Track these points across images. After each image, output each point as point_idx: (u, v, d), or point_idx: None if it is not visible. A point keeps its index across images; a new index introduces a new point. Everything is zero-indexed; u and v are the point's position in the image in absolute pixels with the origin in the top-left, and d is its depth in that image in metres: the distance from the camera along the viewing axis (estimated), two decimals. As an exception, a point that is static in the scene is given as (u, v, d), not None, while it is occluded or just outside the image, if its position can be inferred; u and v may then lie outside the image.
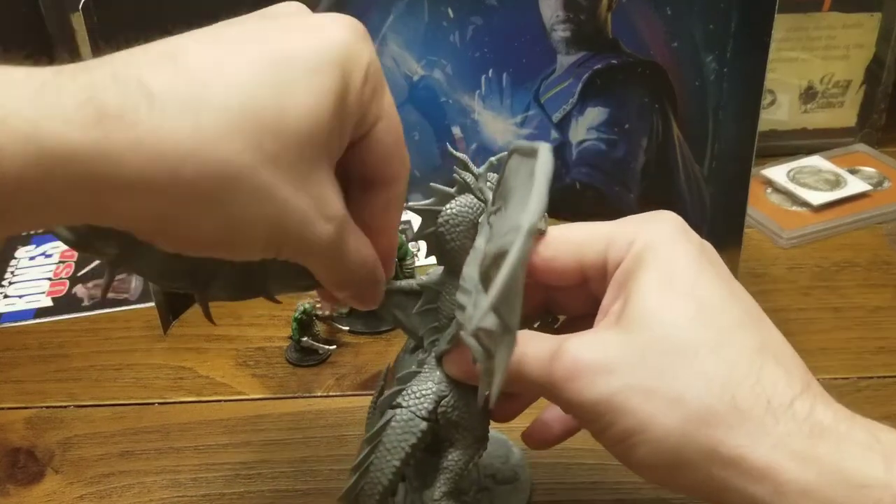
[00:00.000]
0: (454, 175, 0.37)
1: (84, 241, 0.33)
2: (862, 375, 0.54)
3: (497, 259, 0.26)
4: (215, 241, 0.29)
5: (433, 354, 0.39)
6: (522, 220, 0.26)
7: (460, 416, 0.39)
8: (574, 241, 0.37)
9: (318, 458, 0.50)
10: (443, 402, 0.39)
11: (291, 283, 0.37)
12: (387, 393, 0.40)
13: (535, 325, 0.41)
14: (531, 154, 0.29)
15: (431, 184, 0.37)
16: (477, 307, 0.26)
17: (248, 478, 0.49)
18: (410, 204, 0.38)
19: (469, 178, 0.37)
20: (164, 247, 0.29)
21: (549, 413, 0.40)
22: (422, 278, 0.40)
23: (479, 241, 0.34)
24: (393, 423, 0.39)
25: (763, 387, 0.30)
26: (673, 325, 0.32)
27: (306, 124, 0.29)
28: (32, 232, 0.73)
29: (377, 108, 0.33)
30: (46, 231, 0.34)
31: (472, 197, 0.37)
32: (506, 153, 0.34)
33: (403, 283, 0.40)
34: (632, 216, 0.37)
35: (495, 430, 0.46)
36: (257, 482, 0.48)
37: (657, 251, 0.34)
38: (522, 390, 0.38)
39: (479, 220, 0.37)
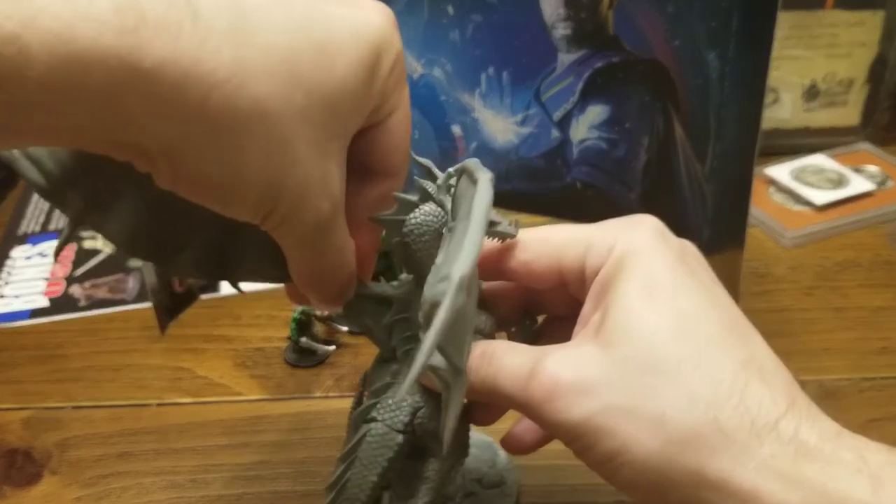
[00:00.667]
0: (415, 182, 0.36)
1: (55, 188, 0.32)
2: (864, 376, 0.53)
3: (433, 307, 0.26)
4: (215, 185, 0.28)
5: (407, 365, 0.38)
6: (454, 272, 0.25)
7: (437, 426, 0.37)
8: (552, 243, 0.36)
9: (317, 459, 0.49)
10: (419, 413, 0.37)
11: (262, 272, 0.36)
12: (361, 407, 0.38)
13: (513, 330, 0.40)
14: (474, 182, 0.29)
15: (394, 193, 0.36)
16: (416, 359, 0.25)
17: (247, 479, 0.48)
18: (374, 215, 0.36)
19: (429, 186, 0.36)
20: (161, 180, 0.28)
21: (521, 426, 0.39)
22: (388, 287, 0.39)
23: (440, 258, 0.33)
24: (368, 438, 0.37)
25: (747, 407, 0.30)
26: (653, 339, 0.31)
27: (338, 88, 0.28)
28: (29, 232, 0.73)
29: (397, 98, 0.32)
30: (19, 175, 0.32)
31: (436, 205, 0.36)
32: (461, 164, 0.33)
33: (376, 286, 0.39)
34: (611, 220, 0.36)
35: (482, 433, 0.46)
36: (256, 483, 0.48)
37: (637, 259, 0.33)
38: (499, 404, 0.37)
39: (443, 231, 0.35)
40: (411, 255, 0.36)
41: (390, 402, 0.38)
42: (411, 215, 0.36)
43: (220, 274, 0.37)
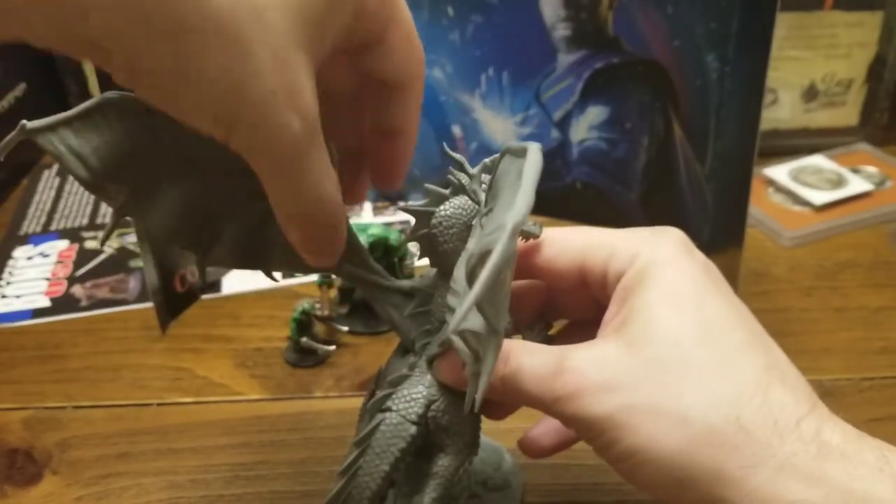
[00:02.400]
0: (448, 176, 0.37)
1: (97, 181, 0.33)
2: (865, 376, 0.53)
3: (482, 258, 0.26)
4: (170, 86, 0.27)
5: (424, 358, 0.39)
6: (507, 219, 0.26)
7: (450, 421, 0.38)
8: (577, 244, 0.37)
9: (317, 459, 0.49)
10: (433, 406, 0.38)
11: (295, 263, 0.36)
12: (377, 396, 0.39)
13: (526, 332, 0.40)
14: (521, 154, 0.29)
15: (426, 185, 0.37)
16: (461, 305, 0.26)
17: (247, 479, 0.48)
18: (403, 205, 0.37)
19: (464, 179, 0.37)
20: (118, 76, 0.27)
21: (538, 429, 0.39)
22: (415, 280, 0.40)
23: (471, 244, 0.34)
24: (382, 427, 0.38)
25: (770, 407, 0.30)
26: (678, 342, 0.32)
27: None
28: (30, 232, 0.73)
29: (387, 11, 0.31)
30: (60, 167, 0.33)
31: (467, 199, 0.37)
32: (498, 154, 0.33)
33: (403, 282, 0.40)
34: (637, 228, 0.36)
35: (489, 436, 0.46)
36: (256, 483, 0.48)
37: (662, 268, 0.34)
38: (519, 403, 0.37)
39: (473, 223, 0.36)
40: (438, 247, 0.37)
41: (406, 393, 0.38)
42: (441, 207, 0.37)
43: (255, 264, 0.38)
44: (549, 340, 0.41)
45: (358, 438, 0.38)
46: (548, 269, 0.37)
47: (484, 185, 0.37)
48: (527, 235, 0.38)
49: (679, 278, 0.33)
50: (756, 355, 0.32)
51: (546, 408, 0.34)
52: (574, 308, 0.40)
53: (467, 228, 0.36)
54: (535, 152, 0.28)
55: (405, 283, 0.39)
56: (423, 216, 0.37)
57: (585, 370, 0.32)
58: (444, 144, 0.40)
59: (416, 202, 0.37)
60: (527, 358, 0.34)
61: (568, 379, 0.32)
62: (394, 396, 0.38)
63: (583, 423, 0.32)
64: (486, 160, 0.37)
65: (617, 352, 0.32)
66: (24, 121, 0.32)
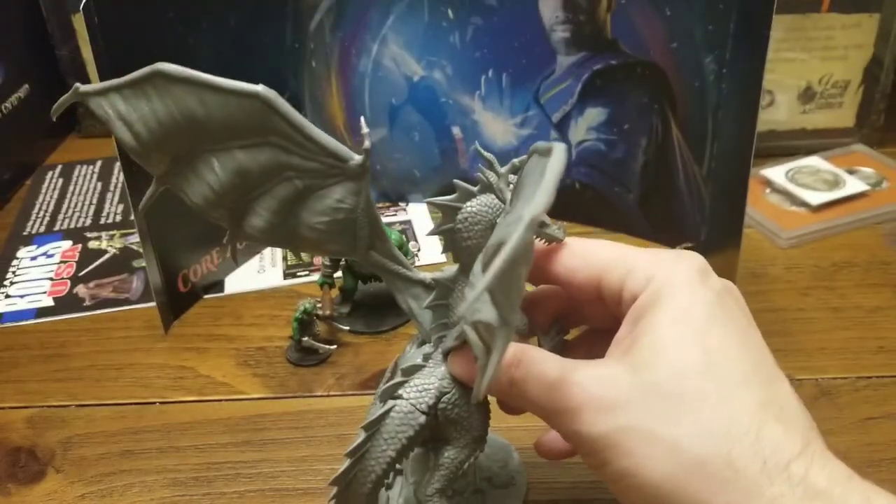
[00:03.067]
0: (478, 174, 0.38)
1: (141, 149, 0.35)
2: (861, 375, 0.54)
3: (497, 248, 0.27)
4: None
5: (440, 350, 0.40)
6: (525, 212, 0.26)
7: (459, 415, 0.39)
8: (597, 259, 0.37)
9: (319, 457, 0.50)
10: (444, 398, 0.39)
11: (325, 246, 0.38)
12: (390, 383, 0.40)
13: (542, 336, 0.41)
14: (547, 154, 0.30)
15: (455, 180, 0.38)
16: (474, 289, 0.26)
17: (249, 477, 0.49)
18: (430, 199, 0.38)
19: (492, 177, 0.37)
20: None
21: (553, 432, 0.40)
22: (436, 273, 0.40)
23: (491, 239, 0.35)
24: (392, 414, 0.39)
25: (761, 445, 0.30)
26: (680, 371, 0.32)
27: None
28: (34, 232, 0.74)
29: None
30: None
31: (493, 197, 0.37)
32: (526, 155, 0.34)
33: (424, 274, 0.40)
34: (659, 251, 0.37)
35: (497, 433, 0.47)
36: (258, 481, 0.49)
37: (674, 293, 0.34)
38: (524, 408, 0.38)
39: (497, 221, 0.37)
40: (461, 243, 0.38)
41: (418, 382, 0.39)
42: (468, 203, 0.37)
43: (285, 242, 0.39)
44: (564, 345, 0.41)
45: (367, 422, 0.39)
46: (567, 279, 0.38)
47: (511, 185, 0.37)
48: (549, 238, 0.38)
49: (690, 305, 0.34)
50: (755, 390, 0.32)
51: (547, 418, 0.34)
52: (592, 317, 0.40)
53: (491, 227, 0.37)
54: (560, 151, 0.29)
55: (427, 276, 0.40)
56: (449, 211, 0.38)
57: (589, 388, 0.33)
58: (476, 143, 0.41)
59: (445, 197, 0.38)
60: (536, 366, 0.34)
61: (571, 394, 0.33)
62: (406, 385, 0.39)
63: (580, 440, 0.33)
64: (515, 160, 0.37)
65: (622, 373, 0.33)
66: (78, 83, 0.35)
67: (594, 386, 0.33)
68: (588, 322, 0.41)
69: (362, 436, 0.39)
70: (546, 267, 0.38)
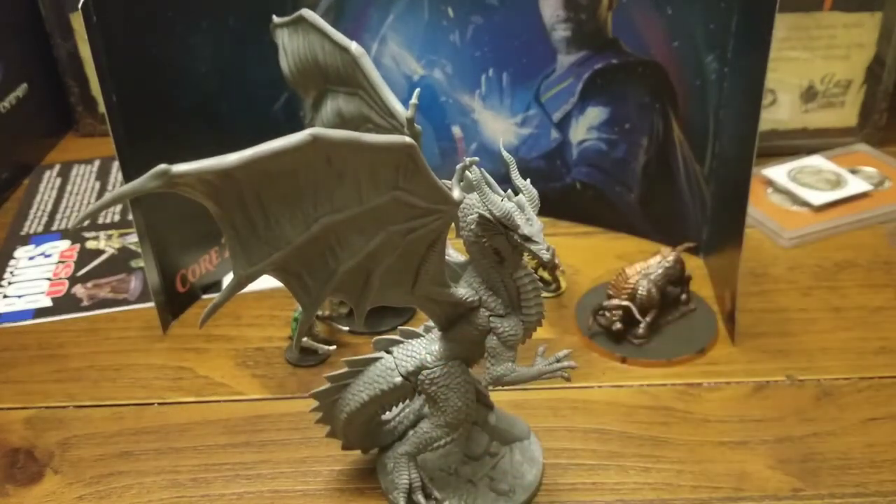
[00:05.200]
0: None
1: (290, 77, 0.42)
2: (863, 376, 0.54)
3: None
4: None
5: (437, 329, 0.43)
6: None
7: (437, 393, 0.42)
8: None
9: (318, 458, 0.50)
10: (423, 372, 0.42)
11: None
12: (386, 336, 0.43)
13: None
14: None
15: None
16: None
17: (248, 478, 0.49)
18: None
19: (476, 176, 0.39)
20: None
21: None
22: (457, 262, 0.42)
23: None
24: (377, 364, 0.43)
25: None
26: None
27: None
28: (32, 232, 0.73)
29: None
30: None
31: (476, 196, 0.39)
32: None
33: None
34: None
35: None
36: (257, 482, 0.48)
37: None
38: None
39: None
40: (459, 231, 0.40)
41: (409, 347, 0.43)
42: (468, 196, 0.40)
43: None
44: None
45: (355, 359, 0.43)
46: None
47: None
48: (535, 257, 0.37)
49: None
50: None
51: None
52: None
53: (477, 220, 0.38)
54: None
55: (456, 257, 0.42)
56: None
57: None
58: (500, 143, 0.43)
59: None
60: None
61: None
62: (400, 345, 0.43)
63: None
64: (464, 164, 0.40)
65: None
66: (274, 15, 0.43)
67: None
68: None
69: (346, 370, 0.43)
70: None
